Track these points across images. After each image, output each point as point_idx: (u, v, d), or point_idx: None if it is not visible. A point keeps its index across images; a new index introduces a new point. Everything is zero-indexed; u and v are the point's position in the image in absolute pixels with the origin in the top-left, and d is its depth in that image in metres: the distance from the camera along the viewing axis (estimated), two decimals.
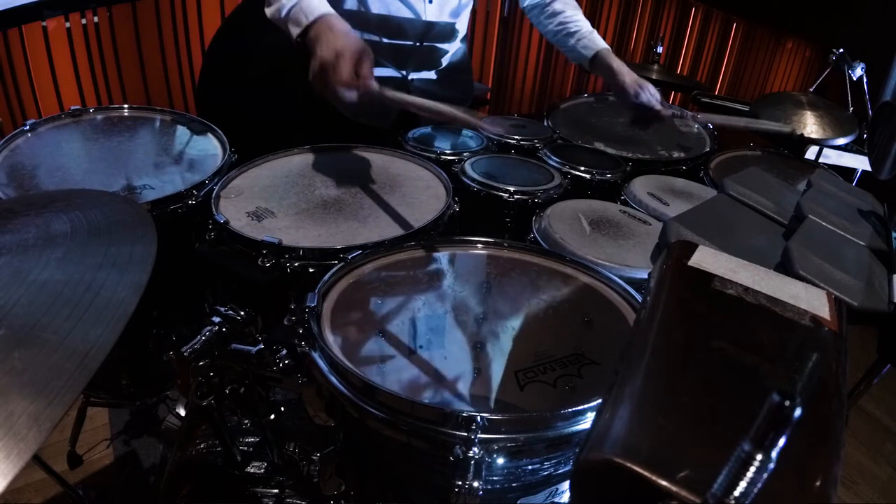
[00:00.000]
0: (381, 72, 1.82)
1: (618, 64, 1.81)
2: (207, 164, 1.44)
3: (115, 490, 1.92)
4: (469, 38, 2.00)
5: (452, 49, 1.88)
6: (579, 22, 1.88)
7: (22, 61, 2.73)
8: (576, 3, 1.93)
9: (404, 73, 1.83)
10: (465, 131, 1.77)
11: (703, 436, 0.51)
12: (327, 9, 1.36)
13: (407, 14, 1.72)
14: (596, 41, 1.86)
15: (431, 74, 1.89)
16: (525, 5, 1.98)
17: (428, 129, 1.76)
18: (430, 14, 1.75)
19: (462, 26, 1.87)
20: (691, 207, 1.00)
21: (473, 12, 1.90)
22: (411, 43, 1.78)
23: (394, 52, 1.78)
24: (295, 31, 1.35)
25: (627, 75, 1.79)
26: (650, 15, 4.53)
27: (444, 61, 1.89)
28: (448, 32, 1.83)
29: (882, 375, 1.07)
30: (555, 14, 1.91)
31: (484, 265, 1.15)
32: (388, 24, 1.73)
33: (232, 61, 2.65)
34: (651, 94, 1.79)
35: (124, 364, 1.44)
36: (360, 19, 1.72)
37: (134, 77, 3.11)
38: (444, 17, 1.79)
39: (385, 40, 1.75)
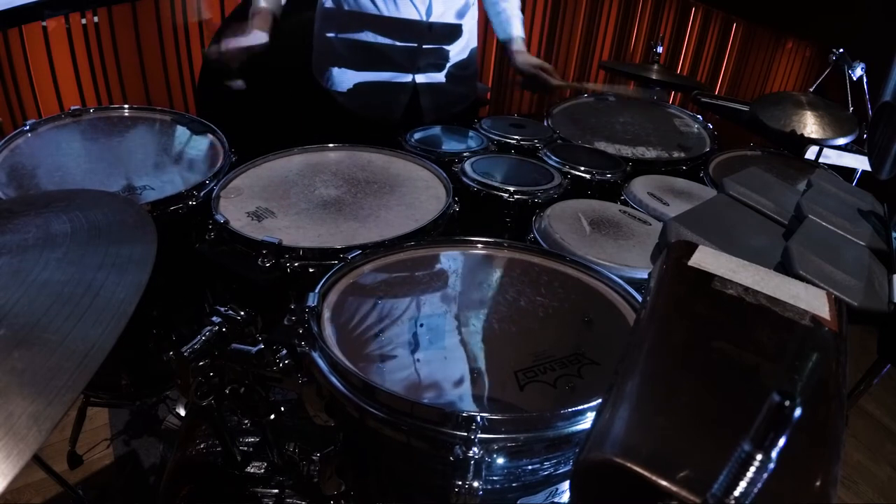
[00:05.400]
0: (388, 76, 1.83)
1: (519, 49, 1.95)
2: (208, 164, 1.44)
3: (115, 490, 1.91)
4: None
5: (458, 49, 1.89)
6: (504, 3, 1.97)
7: (22, 61, 2.73)
8: None
9: (412, 75, 1.84)
10: (466, 131, 1.77)
11: (703, 436, 0.51)
12: (262, 6, 1.67)
13: (413, 15, 1.73)
14: (510, 29, 1.97)
15: (440, 76, 1.89)
16: None
17: (428, 130, 1.76)
18: (435, 14, 1.75)
19: (466, 26, 1.87)
20: (691, 207, 1.00)
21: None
22: (416, 44, 1.78)
23: (403, 53, 1.78)
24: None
25: (522, 55, 1.94)
26: (650, 15, 4.53)
27: (451, 61, 1.89)
28: (453, 33, 1.83)
29: (882, 375, 1.07)
30: None
31: (484, 265, 1.15)
32: (395, 25, 1.73)
33: None
34: (543, 65, 1.91)
35: (124, 364, 1.44)
36: (369, 21, 1.73)
37: (134, 77, 3.10)
38: (449, 18, 1.80)
39: (398, 43, 1.76)
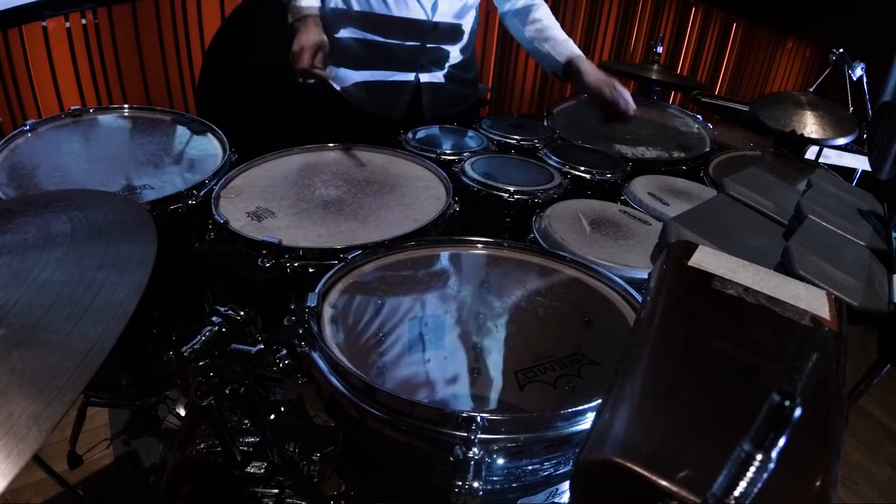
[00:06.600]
0: (392, 76, 1.83)
1: (587, 66, 1.90)
2: (207, 164, 1.44)
3: (115, 490, 1.91)
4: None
5: (459, 49, 1.89)
6: (554, 30, 1.96)
7: (22, 61, 2.73)
8: (550, 12, 2.01)
9: (415, 73, 1.84)
10: (466, 131, 1.78)
11: (703, 436, 0.51)
12: (310, 11, 1.69)
13: (419, 14, 1.74)
14: (570, 48, 1.94)
15: (439, 76, 1.89)
16: (505, 10, 2.01)
17: (428, 130, 1.76)
18: (440, 13, 1.76)
19: (467, 27, 1.88)
20: (691, 207, 1.00)
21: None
22: (419, 44, 1.79)
23: (406, 52, 1.79)
24: (290, 19, 1.71)
25: (594, 75, 1.89)
26: (650, 15, 4.53)
27: (451, 61, 1.90)
28: (454, 33, 1.84)
29: (882, 375, 1.07)
30: (534, 21, 1.97)
31: (484, 265, 1.15)
32: (401, 24, 1.74)
33: (232, 61, 2.65)
34: (619, 93, 1.88)
35: (124, 364, 1.44)
36: (375, 20, 1.74)
37: (134, 77, 3.10)
38: (449, 18, 1.80)
39: (403, 42, 1.77)
